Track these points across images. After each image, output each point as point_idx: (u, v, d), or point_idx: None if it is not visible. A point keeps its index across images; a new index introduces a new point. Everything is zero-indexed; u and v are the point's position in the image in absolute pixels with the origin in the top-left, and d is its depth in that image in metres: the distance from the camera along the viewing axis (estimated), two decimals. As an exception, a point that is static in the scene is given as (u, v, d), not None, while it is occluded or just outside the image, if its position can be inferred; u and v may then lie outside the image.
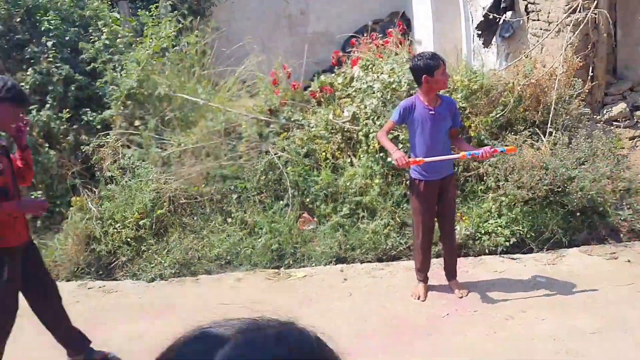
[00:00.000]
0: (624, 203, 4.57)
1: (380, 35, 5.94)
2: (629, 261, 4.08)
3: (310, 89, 5.66)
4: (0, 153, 2.85)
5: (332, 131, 5.24)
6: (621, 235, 4.46)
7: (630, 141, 5.11)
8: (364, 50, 5.81)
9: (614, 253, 4.21)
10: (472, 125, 4.87)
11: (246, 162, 5.16)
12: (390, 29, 6.02)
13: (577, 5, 4.90)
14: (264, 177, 5.04)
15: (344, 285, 4.15)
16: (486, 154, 3.47)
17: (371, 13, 8.85)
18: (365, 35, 6.08)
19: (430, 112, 3.58)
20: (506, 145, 4.42)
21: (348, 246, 4.64)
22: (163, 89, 5.35)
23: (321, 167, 5.08)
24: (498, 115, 4.87)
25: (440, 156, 3.56)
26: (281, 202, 4.97)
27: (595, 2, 4.87)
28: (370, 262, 4.52)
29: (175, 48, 5.71)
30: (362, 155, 5.05)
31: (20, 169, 3.02)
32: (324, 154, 5.12)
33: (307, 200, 4.96)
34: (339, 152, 5.18)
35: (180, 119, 5.42)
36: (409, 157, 3.55)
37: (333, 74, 5.90)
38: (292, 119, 5.41)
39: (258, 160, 5.14)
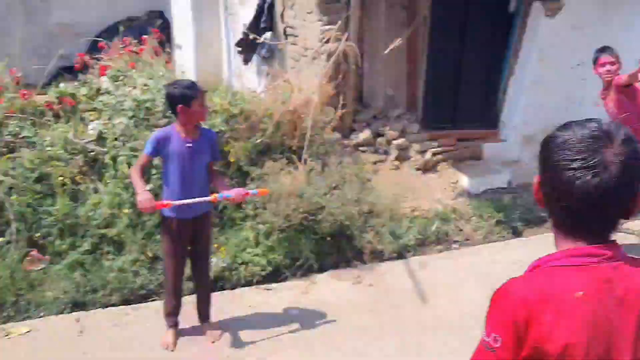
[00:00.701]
0: (368, 226, 4.87)
1: (135, 41, 5.32)
2: (371, 285, 4.35)
3: (46, 99, 4.79)
4: None
5: (73, 152, 4.53)
6: (365, 257, 4.74)
7: (374, 165, 5.53)
8: (114, 57, 5.16)
9: (359, 277, 4.43)
10: (232, 150, 4.69)
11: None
12: (145, 35, 5.48)
13: (330, 37, 5.11)
14: (-20, 207, 4.11)
15: (80, 340, 3.55)
16: (238, 197, 3.33)
17: (126, 9, 7.92)
18: (117, 38, 5.40)
19: (188, 145, 3.28)
20: (258, 187, 4.41)
21: (88, 288, 4.02)
22: None
23: (57, 194, 4.33)
24: (257, 141, 4.79)
25: (196, 195, 3.29)
26: (1, 238, 4.09)
27: (346, 35, 5.14)
28: (115, 305, 3.99)
29: None
30: (108, 181, 4.46)
31: None
32: (61, 178, 4.38)
33: (37, 235, 4.19)
34: (80, 176, 4.49)
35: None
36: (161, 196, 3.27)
37: (77, 81, 5.08)
38: (20, 136, 4.51)
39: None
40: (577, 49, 5.91)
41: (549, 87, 6.00)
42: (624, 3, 5.70)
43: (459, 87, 5.88)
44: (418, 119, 5.77)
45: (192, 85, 3.28)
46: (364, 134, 5.44)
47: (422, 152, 5.60)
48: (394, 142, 5.50)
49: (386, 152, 5.52)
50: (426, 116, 5.80)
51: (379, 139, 5.52)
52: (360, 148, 5.47)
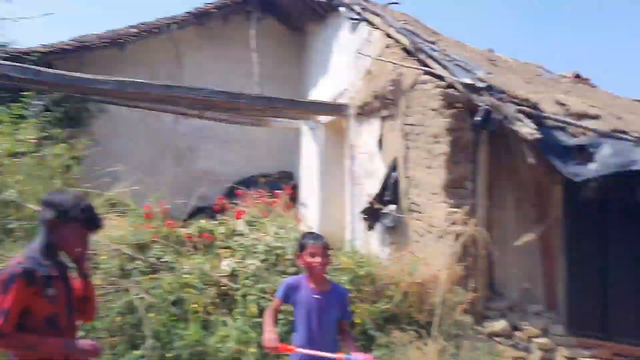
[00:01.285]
0: None
1: (268, 193, 5.96)
2: None
3: (187, 230, 5.24)
4: (58, 276, 2.43)
5: (207, 283, 4.72)
6: None
7: None
8: (250, 204, 5.72)
9: None
10: (358, 311, 4.64)
11: (101, 296, 4.35)
12: (278, 190, 6.15)
13: (456, 219, 5.15)
14: (120, 318, 4.26)
15: None
16: None
17: (260, 166, 9.18)
18: (252, 188, 6.05)
19: (315, 297, 3.23)
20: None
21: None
22: (11, 195, 4.26)
23: (190, 320, 4.42)
24: (384, 307, 4.77)
25: (322, 349, 3.12)
26: (136, 351, 4.17)
27: (474, 220, 5.15)
28: None
29: (35, 154, 4.82)
30: (237, 317, 4.53)
31: (80, 298, 2.59)
32: (195, 305, 4.51)
33: (169, 355, 4.20)
34: (212, 307, 4.68)
35: (26, 231, 4.30)
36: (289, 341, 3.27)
37: (215, 220, 5.60)
38: (162, 259, 4.86)
39: (115, 298, 4.40)
40: None
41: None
42: None
43: (607, 293, 5.53)
44: (561, 320, 5.38)
45: (308, 235, 3.34)
46: (500, 324, 5.09)
47: (571, 359, 5.07)
48: (536, 340, 5.06)
49: (527, 349, 5.04)
50: (571, 319, 5.42)
51: (518, 333, 5.11)
52: (495, 338, 5.06)
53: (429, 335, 4.65)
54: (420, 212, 5.76)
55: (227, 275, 4.91)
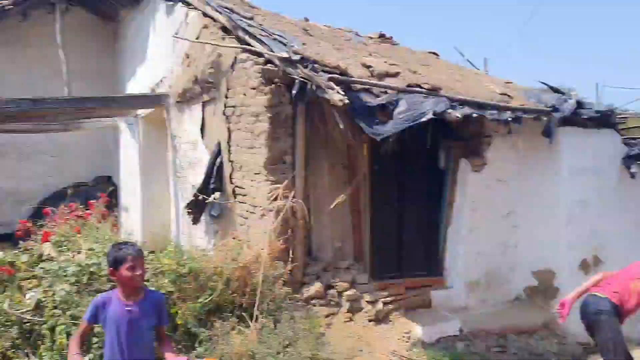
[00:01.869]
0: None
1: (81, 206, 5.26)
2: None
3: None
4: None
5: (7, 323, 4.23)
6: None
7: (326, 319, 5.26)
8: (60, 222, 4.99)
9: None
10: (179, 312, 4.49)
11: None
12: (94, 199, 5.48)
13: (278, 195, 5.18)
14: None
15: None
16: None
17: (73, 175, 8.25)
18: (63, 203, 5.28)
19: (127, 309, 3.05)
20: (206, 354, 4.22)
21: None
22: None
23: (-15, 371, 3.92)
24: (206, 301, 4.62)
25: None
26: None
27: (293, 192, 5.24)
28: None
29: None
30: (44, 354, 4.13)
31: None
32: None
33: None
34: (12, 350, 4.14)
35: None
36: None
37: (17, 248, 4.82)
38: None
39: None
40: (505, 198, 6.54)
41: (485, 235, 6.41)
42: (537, 162, 6.55)
43: (402, 238, 6.23)
44: (366, 269, 5.86)
45: (123, 247, 3.11)
46: (315, 287, 5.34)
47: (373, 302, 5.51)
48: (345, 293, 5.41)
49: (338, 305, 5.37)
50: (374, 266, 5.97)
51: (330, 292, 5.42)
52: (312, 301, 5.31)
53: (252, 317, 4.66)
54: (245, 195, 5.72)
55: (31, 309, 4.28)
